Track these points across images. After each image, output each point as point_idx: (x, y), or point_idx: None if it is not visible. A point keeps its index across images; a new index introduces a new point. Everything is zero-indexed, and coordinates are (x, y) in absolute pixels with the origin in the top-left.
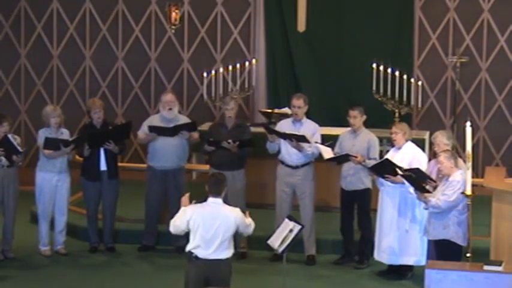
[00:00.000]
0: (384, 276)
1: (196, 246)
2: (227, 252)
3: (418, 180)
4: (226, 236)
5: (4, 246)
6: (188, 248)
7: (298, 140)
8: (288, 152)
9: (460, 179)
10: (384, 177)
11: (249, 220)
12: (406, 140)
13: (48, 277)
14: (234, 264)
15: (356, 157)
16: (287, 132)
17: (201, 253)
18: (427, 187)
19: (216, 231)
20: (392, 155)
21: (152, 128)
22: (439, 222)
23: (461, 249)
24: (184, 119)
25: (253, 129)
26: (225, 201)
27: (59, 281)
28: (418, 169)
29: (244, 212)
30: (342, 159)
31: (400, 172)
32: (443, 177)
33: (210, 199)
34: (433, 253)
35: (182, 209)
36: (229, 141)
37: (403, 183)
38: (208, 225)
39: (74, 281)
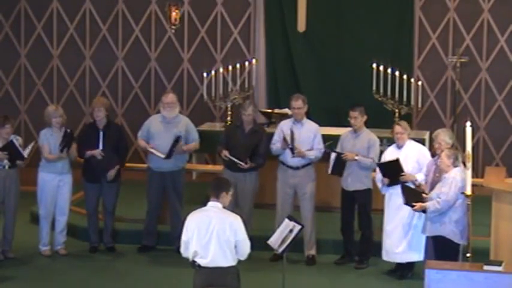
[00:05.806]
0: (384, 276)
1: (194, 252)
2: (230, 260)
3: (413, 194)
4: (222, 240)
5: (4, 247)
6: (190, 256)
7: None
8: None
9: (455, 175)
10: (395, 182)
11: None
12: (408, 139)
13: (48, 277)
14: None
15: (346, 155)
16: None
17: (202, 261)
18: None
19: (211, 235)
20: (394, 154)
21: (150, 153)
22: (436, 219)
23: (459, 247)
24: (184, 119)
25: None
26: (235, 201)
27: (59, 281)
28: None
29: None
30: (338, 166)
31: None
32: (441, 175)
33: (210, 203)
34: (431, 250)
35: None
36: (247, 165)
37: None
38: (204, 230)
39: (74, 281)
